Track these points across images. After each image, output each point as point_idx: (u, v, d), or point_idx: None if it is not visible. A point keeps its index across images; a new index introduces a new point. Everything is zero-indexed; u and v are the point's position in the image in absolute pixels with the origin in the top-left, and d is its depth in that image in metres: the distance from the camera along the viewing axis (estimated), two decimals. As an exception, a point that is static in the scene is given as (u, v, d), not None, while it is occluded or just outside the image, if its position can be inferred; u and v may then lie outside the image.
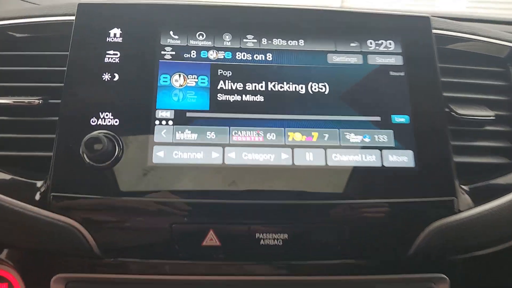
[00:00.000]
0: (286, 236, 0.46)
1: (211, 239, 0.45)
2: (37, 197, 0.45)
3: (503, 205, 0.49)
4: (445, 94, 0.53)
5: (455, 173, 0.49)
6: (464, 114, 0.53)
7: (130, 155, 0.45)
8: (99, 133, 0.45)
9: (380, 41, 0.53)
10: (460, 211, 0.48)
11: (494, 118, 0.54)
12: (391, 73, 0.52)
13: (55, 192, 0.44)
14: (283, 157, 0.47)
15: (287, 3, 0.55)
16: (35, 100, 0.48)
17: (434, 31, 0.55)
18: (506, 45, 0.58)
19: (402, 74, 0.52)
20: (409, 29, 0.54)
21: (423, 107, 0.51)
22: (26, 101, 0.49)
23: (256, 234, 0.46)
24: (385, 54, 0.53)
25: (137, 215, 0.45)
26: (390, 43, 0.53)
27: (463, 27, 0.57)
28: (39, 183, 0.46)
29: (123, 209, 0.44)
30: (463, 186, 0.50)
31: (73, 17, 0.51)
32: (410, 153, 0.49)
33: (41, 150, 0.47)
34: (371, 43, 0.53)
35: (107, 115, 0.47)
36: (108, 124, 0.46)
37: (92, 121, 0.46)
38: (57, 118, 0.47)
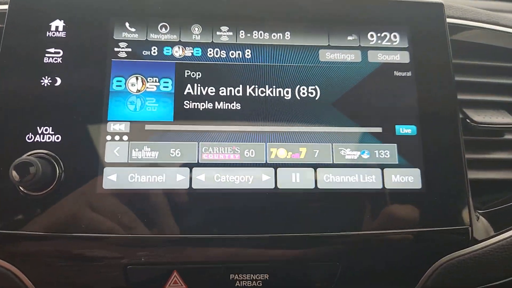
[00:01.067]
0: (266, 276, 0.38)
1: (175, 281, 0.37)
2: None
3: (525, 232, 0.41)
4: (459, 97, 0.45)
5: (470, 196, 0.40)
6: (481, 122, 0.44)
7: (74, 181, 0.37)
8: (32, 154, 0.36)
9: (383, 34, 0.44)
10: (475, 241, 0.40)
11: (516, 125, 0.45)
12: (396, 73, 0.43)
13: (-18, 227, 0.36)
14: (264, 179, 0.39)
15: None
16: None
17: (448, 20, 0.46)
18: (532, 36, 0.49)
19: (408, 74, 0.43)
20: (418, 19, 0.45)
21: (433, 115, 0.42)
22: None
23: (231, 275, 0.38)
24: (389, 49, 0.44)
25: (84, 255, 0.37)
26: (395, 36, 0.44)
27: (482, 15, 0.48)
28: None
29: (66, 248, 0.36)
30: (479, 211, 0.42)
31: (6, 6, 0.41)
32: (416, 171, 0.40)
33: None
34: (372, 36, 0.44)
35: (46, 130, 0.38)
36: (48, 141, 0.38)
37: (28, 138, 0.38)
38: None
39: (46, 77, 0.39)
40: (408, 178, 0.40)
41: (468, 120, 0.45)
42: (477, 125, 0.44)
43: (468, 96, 0.47)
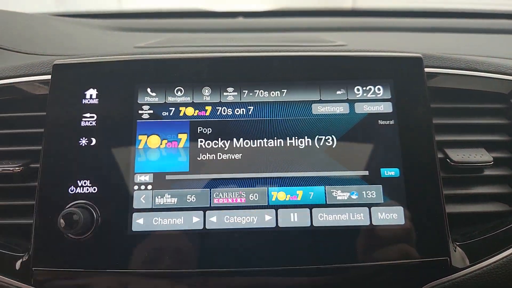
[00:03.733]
0: (270, 303, 0.45)
1: (193, 309, 0.44)
2: (20, 269, 0.45)
3: (502, 261, 0.46)
4: (439, 138, 0.50)
5: (448, 229, 0.46)
6: (460, 161, 0.50)
7: (109, 225, 0.45)
8: (74, 205, 0.44)
9: (368, 87, 0.50)
10: (455, 269, 0.46)
11: (492, 163, 0.50)
12: (380, 122, 0.49)
13: (37, 266, 0.44)
14: (266, 219, 0.46)
15: (268, 50, 0.53)
16: (15, 168, 0.48)
17: (427, 69, 0.52)
18: (510, 80, 0.54)
19: (391, 122, 0.49)
20: (399, 72, 0.51)
21: (414, 158, 0.48)
22: (11, 169, 0.48)
23: (239, 303, 0.45)
24: (374, 101, 0.50)
25: (117, 287, 0.44)
26: (379, 89, 0.50)
27: (460, 63, 0.54)
28: (21, 255, 0.46)
29: (104, 282, 0.44)
30: (457, 242, 0.47)
31: (49, 76, 0.50)
32: (400, 209, 0.46)
33: (22, 217, 0.47)
34: (358, 90, 0.50)
35: (85, 183, 0.46)
36: (86, 192, 0.46)
37: (71, 190, 0.46)
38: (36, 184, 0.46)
39: (84, 138, 0.47)
40: (392, 215, 0.46)
41: (447, 160, 0.50)
42: (456, 165, 0.50)
43: (449, 137, 0.52)
